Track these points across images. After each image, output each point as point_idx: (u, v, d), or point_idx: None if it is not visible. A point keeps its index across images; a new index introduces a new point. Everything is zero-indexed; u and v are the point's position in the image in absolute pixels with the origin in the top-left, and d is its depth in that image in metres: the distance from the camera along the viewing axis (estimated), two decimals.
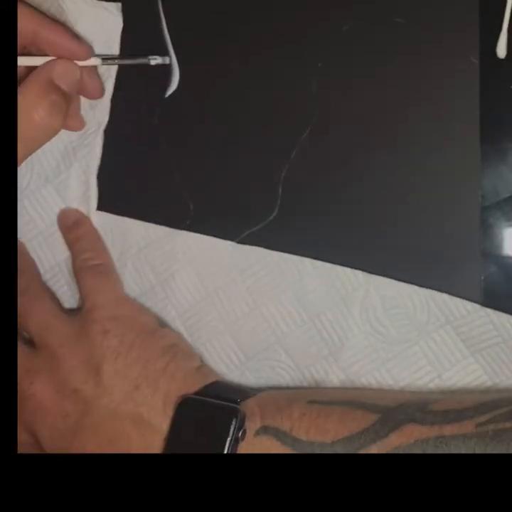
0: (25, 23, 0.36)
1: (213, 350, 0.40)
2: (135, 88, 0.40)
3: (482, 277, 0.37)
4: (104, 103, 0.40)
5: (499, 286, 0.37)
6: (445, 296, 0.38)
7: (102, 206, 0.41)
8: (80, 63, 0.37)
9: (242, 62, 0.39)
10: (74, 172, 0.41)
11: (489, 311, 0.37)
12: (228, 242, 0.40)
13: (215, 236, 0.40)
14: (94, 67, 0.39)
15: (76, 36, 0.38)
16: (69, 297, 0.42)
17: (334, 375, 0.39)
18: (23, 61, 0.36)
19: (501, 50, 0.36)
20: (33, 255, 0.42)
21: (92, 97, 0.39)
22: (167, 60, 0.39)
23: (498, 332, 0.37)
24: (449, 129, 0.37)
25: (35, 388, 0.38)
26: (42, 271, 0.42)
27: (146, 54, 0.38)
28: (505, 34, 0.36)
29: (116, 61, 0.39)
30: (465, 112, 0.37)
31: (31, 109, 0.34)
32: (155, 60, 0.38)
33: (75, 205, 0.41)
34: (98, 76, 0.39)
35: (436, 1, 0.37)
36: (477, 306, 0.37)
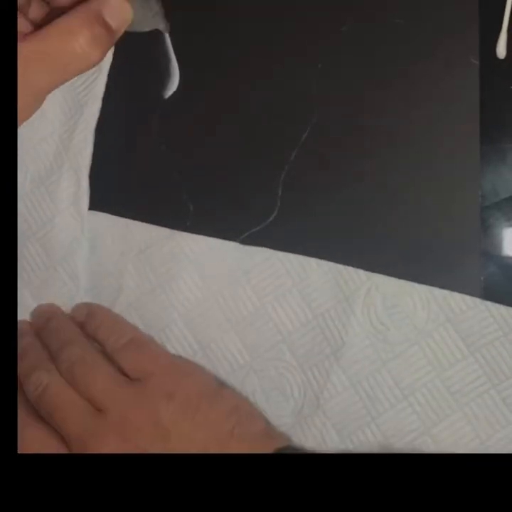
0: None
1: (218, 350, 0.40)
2: (135, 88, 0.40)
3: (482, 277, 0.38)
4: (94, 101, 0.40)
5: (499, 286, 0.37)
6: (445, 292, 0.38)
7: (102, 207, 0.41)
8: None
9: (241, 63, 0.39)
10: (65, 172, 0.41)
11: (489, 304, 0.37)
12: (231, 243, 0.40)
13: (215, 237, 0.40)
14: None
15: None
16: (69, 299, 0.42)
17: (335, 375, 0.39)
18: None
19: (501, 51, 0.36)
20: (29, 257, 0.42)
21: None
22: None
23: (499, 325, 0.37)
24: (449, 129, 0.37)
25: (104, 450, 0.37)
26: (38, 272, 0.42)
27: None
28: (505, 34, 0.36)
29: None
30: (465, 112, 0.37)
31: (72, 36, 0.33)
32: None
33: (65, 205, 0.41)
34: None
35: (436, 1, 0.37)
36: (477, 300, 0.37)
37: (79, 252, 0.41)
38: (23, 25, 0.35)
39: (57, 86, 0.35)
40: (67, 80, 0.35)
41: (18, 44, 0.33)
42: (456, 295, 0.38)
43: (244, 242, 0.40)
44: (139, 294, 0.41)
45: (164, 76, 0.40)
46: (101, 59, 0.35)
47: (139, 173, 0.40)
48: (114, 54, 0.40)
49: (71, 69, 0.34)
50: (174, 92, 0.40)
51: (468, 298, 0.38)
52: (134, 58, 0.40)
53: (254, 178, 0.39)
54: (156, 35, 0.40)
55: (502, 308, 0.37)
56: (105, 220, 0.41)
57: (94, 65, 0.35)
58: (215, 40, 0.39)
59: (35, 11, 0.37)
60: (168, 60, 0.40)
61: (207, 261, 0.40)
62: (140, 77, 0.40)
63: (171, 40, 0.40)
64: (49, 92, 0.35)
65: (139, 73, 0.40)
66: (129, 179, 0.41)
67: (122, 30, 0.35)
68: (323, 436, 0.39)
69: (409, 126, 0.38)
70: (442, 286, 0.38)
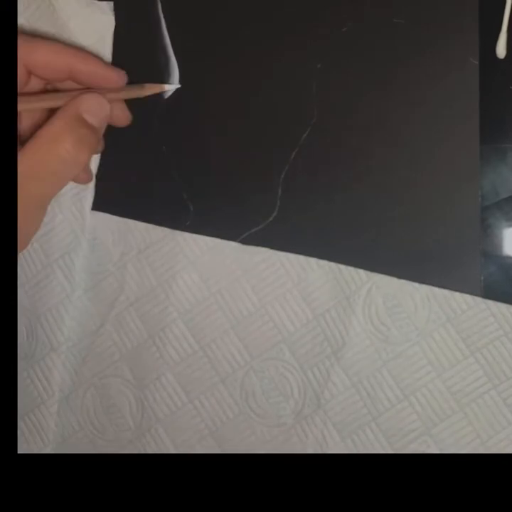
0: (60, 58, 0.35)
1: (218, 350, 0.40)
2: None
3: (482, 277, 0.38)
4: None
5: (499, 285, 0.38)
6: (446, 292, 0.38)
7: (102, 207, 0.41)
8: (109, 96, 0.36)
9: (242, 63, 0.39)
10: None
11: (490, 302, 0.38)
12: (232, 243, 0.40)
13: (215, 237, 0.40)
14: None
15: (109, 64, 0.38)
16: (63, 298, 0.41)
17: (336, 375, 0.39)
18: (53, 100, 0.36)
19: (501, 51, 0.37)
20: (26, 255, 0.42)
21: (119, 124, 0.38)
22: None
23: (500, 324, 0.38)
24: (449, 129, 0.38)
25: None
26: (34, 271, 0.42)
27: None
28: (505, 34, 0.36)
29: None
30: (465, 111, 0.37)
31: (57, 143, 0.34)
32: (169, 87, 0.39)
33: (67, 204, 0.41)
34: (125, 106, 0.38)
35: (436, 1, 0.37)
36: (478, 299, 0.38)
37: (77, 251, 0.41)
38: None
39: (54, 194, 0.35)
40: (62, 187, 0.35)
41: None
42: (457, 295, 0.38)
43: (245, 242, 0.40)
44: (139, 293, 0.41)
45: (164, 76, 0.40)
46: (89, 160, 0.35)
47: (139, 173, 0.40)
48: (115, 54, 0.40)
49: (62, 176, 0.35)
50: (174, 92, 0.40)
51: (468, 297, 0.38)
52: (134, 58, 0.40)
53: (254, 178, 0.39)
54: (156, 35, 0.40)
55: (502, 307, 0.38)
56: (105, 220, 0.41)
57: (82, 168, 0.35)
58: (215, 40, 0.39)
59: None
60: (168, 60, 0.40)
61: (207, 261, 0.40)
62: (140, 77, 0.40)
63: (171, 39, 0.40)
64: (49, 201, 0.35)
65: (139, 73, 0.40)
66: (129, 179, 0.41)
67: (104, 126, 0.36)
68: (324, 435, 0.39)
69: (409, 126, 0.38)
70: (442, 286, 0.38)
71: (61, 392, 0.41)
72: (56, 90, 0.37)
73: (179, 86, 0.40)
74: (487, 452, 0.38)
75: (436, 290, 0.38)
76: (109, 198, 0.41)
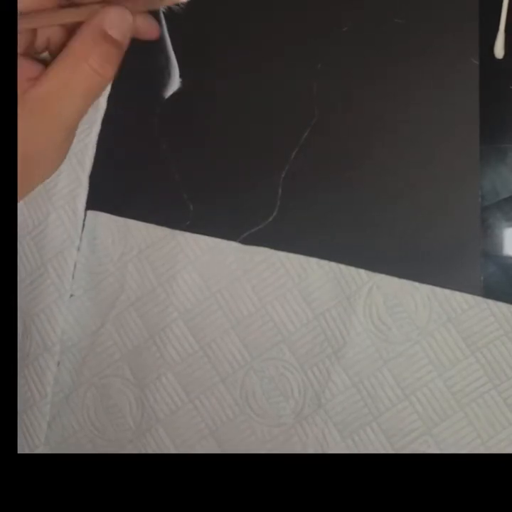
0: None
1: (218, 350, 0.40)
2: (135, 88, 0.40)
3: (482, 277, 0.38)
4: (99, 103, 0.40)
5: (499, 285, 0.38)
6: (446, 291, 0.38)
7: (102, 207, 0.41)
8: (130, 8, 0.35)
9: (242, 63, 0.39)
10: (64, 170, 0.41)
11: (490, 302, 0.38)
12: (232, 243, 0.40)
13: (215, 237, 0.40)
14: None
15: None
16: (56, 298, 0.41)
17: (336, 375, 0.39)
18: (69, 15, 0.35)
19: (499, 51, 0.37)
20: (22, 255, 0.42)
21: (148, 37, 0.37)
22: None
23: (500, 324, 0.38)
24: (449, 129, 0.38)
25: None
26: (29, 270, 0.42)
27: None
28: (503, 35, 0.37)
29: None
30: (465, 111, 0.37)
31: (82, 60, 0.34)
32: None
33: (61, 203, 0.41)
34: (152, 17, 0.38)
35: (436, 1, 0.37)
36: (479, 298, 0.38)
37: (71, 251, 0.41)
38: (32, 69, 0.35)
39: (83, 114, 0.35)
40: (90, 104, 0.35)
41: (33, 89, 0.33)
42: (458, 294, 0.38)
43: (245, 241, 0.40)
44: (140, 293, 0.41)
45: (164, 76, 0.40)
46: (114, 75, 0.35)
47: (139, 173, 0.40)
48: None
49: (90, 93, 0.35)
50: (174, 92, 0.40)
51: (469, 297, 0.38)
52: (133, 58, 0.40)
53: (254, 178, 0.39)
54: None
55: (503, 306, 0.38)
56: (105, 220, 0.41)
57: (109, 82, 0.35)
58: (215, 40, 0.39)
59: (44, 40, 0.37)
60: (168, 60, 0.40)
61: (207, 261, 0.40)
62: (140, 77, 0.40)
63: (171, 40, 0.40)
64: (78, 121, 0.35)
65: (139, 73, 0.40)
66: (129, 179, 0.41)
67: (128, 40, 0.36)
68: (324, 435, 0.39)
69: (409, 126, 0.38)
70: (442, 286, 0.38)
71: (61, 392, 0.41)
72: (72, 5, 0.36)
73: (179, 86, 0.40)
74: (487, 452, 0.38)
75: (437, 290, 0.38)
76: (109, 198, 0.41)
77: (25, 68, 0.35)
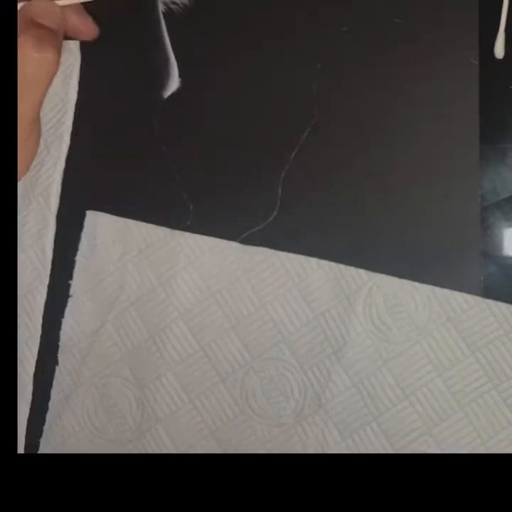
0: None
1: (218, 350, 0.40)
2: (135, 88, 0.40)
3: (482, 277, 0.38)
4: (61, 139, 0.41)
5: (499, 286, 0.38)
6: (446, 291, 0.38)
7: (102, 207, 0.41)
8: (60, 2, 0.37)
9: (241, 63, 0.39)
10: (31, 211, 0.41)
11: (490, 302, 0.38)
12: (232, 243, 0.40)
13: (215, 237, 0.40)
14: (78, 6, 0.38)
15: None
16: (27, 338, 0.41)
17: (336, 375, 0.39)
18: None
19: (499, 51, 0.37)
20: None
21: (87, 37, 0.39)
22: None
23: (500, 324, 0.38)
24: (449, 129, 0.38)
25: None
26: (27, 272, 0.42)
27: None
28: (503, 35, 0.37)
29: None
30: (465, 111, 0.37)
31: (20, 48, 0.34)
32: None
33: (29, 242, 0.41)
34: (88, 15, 0.38)
35: (436, 1, 0.37)
36: (478, 298, 0.38)
37: (41, 290, 0.41)
38: None
39: (41, 100, 0.36)
40: (45, 89, 0.36)
41: None
42: (457, 294, 0.38)
43: (245, 241, 0.40)
44: (140, 293, 0.41)
45: (164, 76, 0.40)
46: (57, 57, 0.36)
47: (139, 173, 0.40)
48: (114, 53, 0.40)
49: (41, 77, 0.35)
50: (174, 92, 0.40)
51: (469, 297, 0.38)
52: (133, 58, 0.40)
53: (254, 177, 0.39)
54: (155, 35, 0.40)
55: (503, 306, 0.38)
56: (105, 220, 0.41)
57: (56, 64, 0.36)
58: (215, 40, 0.39)
59: None
60: (167, 60, 0.40)
61: (207, 261, 0.40)
62: (140, 77, 0.40)
63: (171, 40, 0.40)
64: (39, 109, 0.36)
65: (139, 73, 0.40)
66: (129, 179, 0.41)
67: (61, 28, 0.37)
68: (324, 435, 0.39)
69: (409, 126, 0.38)
70: (442, 286, 0.38)
71: (61, 393, 0.41)
72: None
73: (178, 86, 0.40)
74: (487, 452, 0.38)
75: (437, 289, 0.38)
76: (109, 198, 0.41)
77: None
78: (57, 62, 0.36)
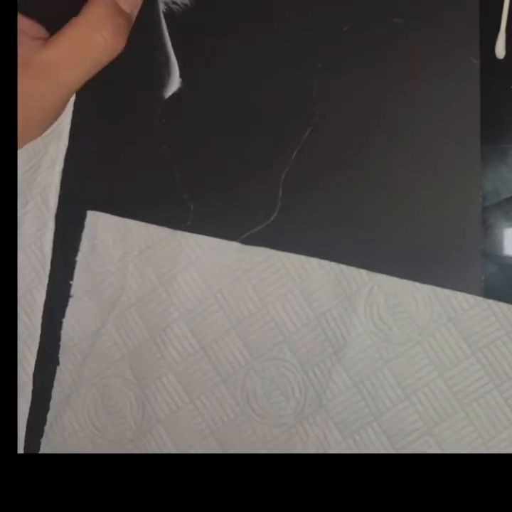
0: None
1: (219, 350, 0.40)
2: (135, 89, 0.40)
3: (483, 278, 0.38)
4: (60, 139, 0.40)
5: (500, 286, 0.38)
6: (447, 291, 0.38)
7: (102, 207, 0.41)
8: None
9: (242, 63, 0.39)
10: (30, 210, 0.41)
11: (491, 302, 0.38)
12: (232, 243, 0.40)
13: (215, 237, 0.40)
14: None
15: None
16: (26, 337, 0.41)
17: (337, 375, 0.39)
18: None
19: (500, 51, 0.37)
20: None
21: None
22: None
23: (501, 324, 0.38)
24: (449, 129, 0.38)
25: None
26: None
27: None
28: (503, 35, 0.37)
29: None
30: (465, 112, 0.37)
31: (96, 30, 0.35)
32: None
33: (27, 242, 0.41)
34: None
35: (436, 1, 0.37)
36: (479, 298, 0.38)
37: (40, 290, 0.41)
38: (34, 28, 0.35)
39: (85, 80, 0.36)
40: (94, 74, 0.36)
41: (43, 51, 0.34)
42: (458, 294, 0.38)
43: (245, 242, 0.40)
44: (141, 294, 0.41)
45: (164, 76, 0.40)
46: (123, 46, 0.36)
47: (140, 173, 0.40)
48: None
49: (98, 62, 0.36)
50: (174, 92, 0.40)
51: (470, 297, 0.38)
52: (133, 58, 0.40)
53: (254, 178, 0.39)
54: (156, 34, 0.40)
55: (504, 307, 0.38)
56: (106, 220, 0.41)
57: (117, 54, 0.36)
58: (215, 40, 0.39)
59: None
60: (168, 60, 0.40)
61: (208, 261, 0.40)
62: (140, 77, 0.40)
63: (171, 40, 0.40)
64: (79, 87, 0.36)
65: (139, 73, 0.40)
66: (129, 179, 0.41)
67: (135, 14, 0.37)
68: (325, 435, 0.39)
69: (409, 126, 0.38)
70: (443, 286, 0.38)
71: (61, 393, 0.41)
72: None
73: (179, 86, 0.40)
74: (489, 452, 0.38)
75: (438, 289, 0.38)
76: (110, 198, 0.41)
77: (28, 26, 0.35)
78: (120, 51, 0.36)
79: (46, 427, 0.41)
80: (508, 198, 0.37)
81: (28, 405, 0.41)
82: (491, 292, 0.38)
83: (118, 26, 0.35)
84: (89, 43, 0.35)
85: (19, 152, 0.40)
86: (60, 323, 0.41)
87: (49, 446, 0.41)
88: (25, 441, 0.41)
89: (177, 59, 0.40)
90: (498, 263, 0.37)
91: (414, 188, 0.38)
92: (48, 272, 0.41)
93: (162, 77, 0.40)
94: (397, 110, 0.38)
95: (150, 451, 0.41)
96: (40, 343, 0.41)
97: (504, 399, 0.38)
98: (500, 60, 0.37)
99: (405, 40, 0.38)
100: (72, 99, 0.40)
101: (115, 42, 0.35)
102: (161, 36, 0.40)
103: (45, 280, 0.41)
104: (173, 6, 0.39)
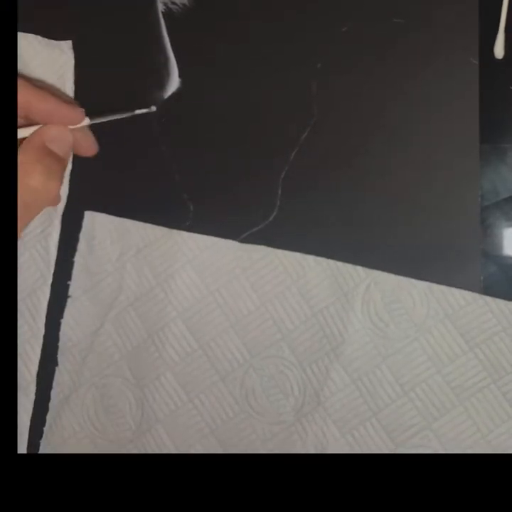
0: (20, 95, 0.35)
1: (217, 349, 0.40)
2: (135, 88, 0.40)
3: (482, 277, 0.38)
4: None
5: (499, 285, 0.38)
6: (444, 288, 0.38)
7: (101, 207, 0.41)
8: (71, 126, 0.37)
9: (241, 63, 0.39)
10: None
11: (488, 298, 0.38)
12: (229, 241, 0.40)
13: (215, 237, 0.40)
14: (86, 126, 0.38)
15: (68, 102, 0.38)
16: (30, 337, 0.41)
17: (335, 372, 0.39)
18: (20, 133, 0.36)
19: (499, 51, 0.37)
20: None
21: (86, 154, 0.39)
22: (153, 109, 0.39)
23: (498, 320, 0.38)
24: (448, 128, 0.38)
25: None
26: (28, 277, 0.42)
27: (132, 108, 0.38)
28: (502, 35, 0.37)
29: (104, 117, 0.38)
30: (464, 111, 0.37)
31: (26, 175, 0.34)
32: (140, 111, 0.38)
33: (33, 242, 0.41)
34: (90, 134, 0.38)
35: (436, 1, 0.37)
36: (476, 295, 0.38)
37: (44, 289, 0.41)
38: None
39: (26, 225, 0.36)
40: (33, 218, 0.36)
41: None
42: (455, 291, 0.38)
43: (245, 241, 0.40)
44: (138, 293, 0.41)
45: (163, 76, 0.40)
46: (59, 189, 0.36)
47: (139, 173, 0.40)
48: (114, 53, 0.40)
49: (34, 206, 0.35)
50: (174, 92, 0.40)
51: (467, 293, 0.38)
52: (133, 59, 0.40)
53: (254, 178, 0.39)
54: (155, 35, 0.39)
55: (501, 303, 0.38)
56: (103, 220, 0.41)
57: (54, 195, 0.36)
58: (215, 40, 0.39)
59: None
60: (167, 60, 0.40)
61: (205, 259, 0.40)
62: (140, 77, 0.40)
63: (170, 40, 0.40)
64: (21, 233, 0.36)
65: (139, 73, 0.40)
66: (129, 179, 0.41)
67: (68, 156, 0.37)
68: (324, 432, 0.39)
69: (409, 126, 0.38)
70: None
71: (61, 393, 0.41)
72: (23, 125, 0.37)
73: (178, 86, 0.40)
74: (487, 446, 0.38)
75: (435, 286, 0.38)
76: (109, 199, 0.41)
77: None
78: (58, 194, 0.36)
79: (45, 428, 0.41)
80: (507, 198, 0.38)
81: (32, 405, 0.41)
82: (490, 291, 0.38)
83: (49, 168, 0.35)
84: (22, 190, 0.34)
85: None
86: (59, 324, 0.41)
87: (49, 447, 0.41)
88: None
89: (176, 59, 0.40)
90: (497, 263, 0.38)
91: (414, 187, 0.38)
92: (52, 273, 0.41)
93: (162, 77, 0.40)
94: (396, 110, 0.38)
95: (150, 451, 0.41)
96: None
97: (502, 393, 0.38)
98: (499, 60, 0.37)
99: (404, 40, 0.38)
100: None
101: (48, 184, 0.35)
102: (160, 36, 0.39)
103: (50, 280, 0.41)
104: (171, 6, 0.38)
